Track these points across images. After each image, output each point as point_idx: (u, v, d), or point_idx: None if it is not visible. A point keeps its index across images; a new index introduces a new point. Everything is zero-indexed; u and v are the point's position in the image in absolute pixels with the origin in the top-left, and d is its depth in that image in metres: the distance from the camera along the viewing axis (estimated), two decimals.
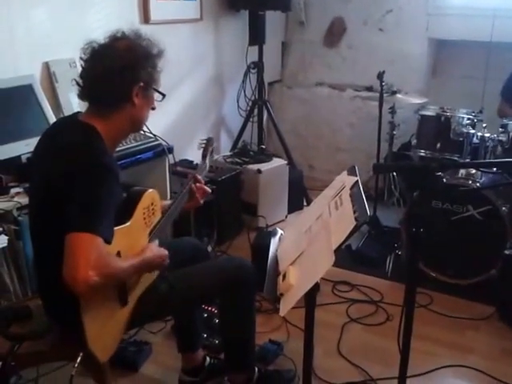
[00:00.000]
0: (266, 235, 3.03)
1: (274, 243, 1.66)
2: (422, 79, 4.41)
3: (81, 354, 1.55)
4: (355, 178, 1.51)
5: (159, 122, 3.55)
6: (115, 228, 1.49)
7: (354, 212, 1.31)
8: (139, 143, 2.72)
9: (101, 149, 1.51)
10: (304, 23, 4.75)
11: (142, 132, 2.78)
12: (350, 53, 4.61)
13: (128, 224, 1.57)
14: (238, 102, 4.29)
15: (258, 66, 4.15)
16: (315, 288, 1.40)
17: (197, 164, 3.66)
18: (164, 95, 1.72)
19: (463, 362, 2.34)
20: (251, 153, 3.86)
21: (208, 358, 2.22)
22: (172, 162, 3.28)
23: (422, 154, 3.22)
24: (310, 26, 4.75)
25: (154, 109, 1.72)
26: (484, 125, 3.00)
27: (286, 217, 3.93)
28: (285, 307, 1.30)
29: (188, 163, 3.64)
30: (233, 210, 3.58)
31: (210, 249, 3.22)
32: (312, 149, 4.94)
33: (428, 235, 3.02)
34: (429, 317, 2.71)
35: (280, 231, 1.76)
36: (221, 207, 3.36)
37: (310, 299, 1.47)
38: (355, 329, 2.64)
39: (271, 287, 1.40)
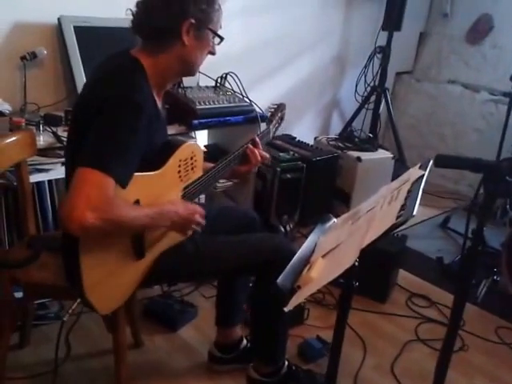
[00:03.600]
0: None
1: (318, 229, 1.48)
2: None
3: (78, 301, 1.48)
4: (422, 172, 1.27)
5: (269, 92, 3.46)
6: (139, 174, 1.38)
7: (400, 210, 1.09)
8: (231, 105, 2.63)
9: (138, 84, 1.40)
10: (448, 15, 4.35)
11: (237, 94, 2.70)
12: (492, 53, 4.13)
13: (156, 172, 1.44)
14: (356, 86, 4.05)
15: (385, 51, 3.86)
16: (350, 289, 1.22)
17: (299, 141, 3.54)
18: (222, 38, 1.57)
19: None
20: (356, 140, 3.61)
21: (245, 341, 2.09)
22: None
23: None
24: (454, 20, 4.33)
25: (212, 53, 1.58)
26: None
27: None
28: (293, 301, 1.13)
29: (290, 139, 3.51)
30: (323, 194, 3.38)
31: (288, 228, 3.09)
32: (431, 149, 4.54)
33: None
34: (507, 357, 2.35)
35: (333, 219, 1.56)
36: (309, 188, 3.18)
37: (344, 302, 1.27)
38: (419, 350, 2.35)
39: (291, 275, 1.23)
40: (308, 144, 3.49)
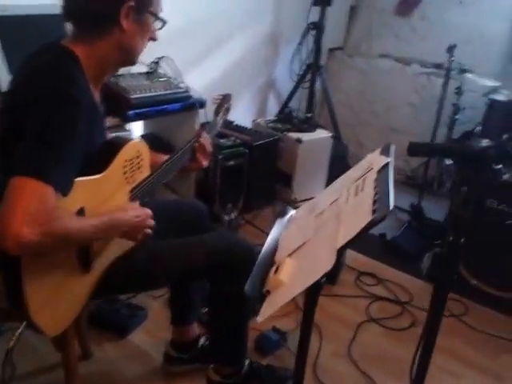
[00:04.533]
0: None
1: (278, 225, 1.39)
2: (497, 63, 3.93)
3: (24, 324, 1.33)
4: (387, 159, 1.21)
5: (200, 76, 3.31)
6: (81, 179, 1.23)
7: (374, 203, 1.02)
8: (168, 92, 2.48)
9: (72, 77, 1.25)
10: None
11: (173, 80, 2.55)
12: (422, 25, 4.16)
13: (100, 176, 1.30)
14: (291, 64, 3.98)
15: (318, 27, 3.80)
16: (317, 289, 1.14)
17: (237, 125, 3.44)
18: (165, 22, 1.44)
19: None
20: (295, 120, 3.56)
21: (203, 339, 1.99)
22: (205, 120, 3.05)
23: (484, 144, 2.83)
24: None
25: (154, 39, 1.45)
26: None
27: None
28: (266, 310, 1.03)
29: (228, 123, 3.39)
30: (266, 178, 3.32)
31: (233, 216, 3.00)
32: (364, 125, 4.58)
33: (475, 237, 2.73)
34: (460, 329, 2.39)
35: (291, 211, 1.48)
36: (252, 173, 3.10)
37: (310, 300, 1.19)
38: (373, 330, 2.35)
39: (257, 280, 1.14)
40: (246, 128, 3.40)
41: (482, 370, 2.16)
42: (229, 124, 3.36)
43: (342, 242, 0.99)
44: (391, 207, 0.97)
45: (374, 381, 2.03)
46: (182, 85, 2.55)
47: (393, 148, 1.30)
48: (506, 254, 2.52)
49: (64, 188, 1.17)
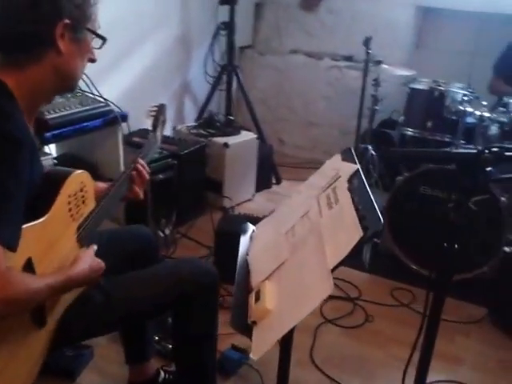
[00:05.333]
0: (231, 219, 2.68)
1: (243, 244, 1.29)
2: (405, 51, 4.07)
3: None
4: (355, 167, 1.15)
5: (113, 86, 3.11)
6: (25, 226, 1.06)
7: (360, 217, 0.95)
8: (86, 108, 2.27)
9: (8, 112, 1.08)
10: None
11: (89, 94, 2.36)
12: (330, 18, 4.22)
13: (44, 218, 1.13)
14: (205, 66, 3.87)
15: (229, 27, 3.71)
16: None
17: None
18: (104, 39, 1.29)
19: (454, 376, 2.03)
20: (218, 124, 3.45)
21: (162, 373, 1.84)
22: (127, 132, 2.87)
23: (410, 132, 2.90)
24: None
25: (93, 61, 1.29)
26: (484, 103, 2.68)
27: (254, 196, 3.58)
28: (259, 345, 0.94)
29: (147, 133, 3.20)
30: (195, 187, 3.19)
31: (167, 231, 2.85)
32: (283, 122, 4.58)
33: (412, 223, 2.79)
34: (410, 318, 2.42)
35: (251, 227, 1.39)
36: (182, 184, 2.96)
37: None
38: (331, 332, 2.32)
39: (240, 312, 1.04)
40: (169, 137, 3.24)
41: (441, 354, 2.15)
42: (147, 134, 3.18)
43: (334, 261, 0.91)
44: (382, 220, 0.91)
45: (338, 383, 1.99)
46: (100, 99, 2.36)
47: (354, 151, 1.24)
48: (444, 238, 2.58)
49: (13, 243, 1.01)
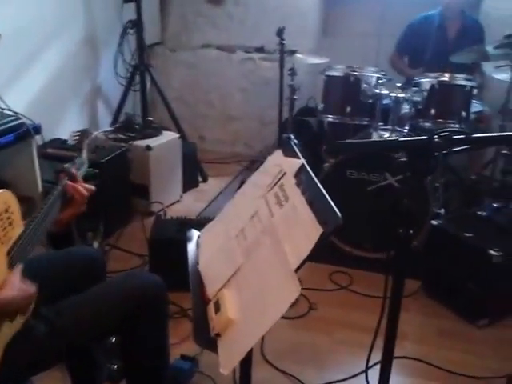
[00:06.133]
0: (164, 225, 2.59)
1: (191, 253, 1.24)
2: (314, 38, 4.13)
3: None
4: (299, 161, 1.13)
5: (21, 97, 2.91)
6: None
7: (316, 213, 0.93)
8: None
9: None
10: None
11: None
12: (237, 10, 4.19)
13: None
14: (115, 68, 3.71)
15: (137, 25, 3.58)
16: None
17: (73, 144, 3.10)
18: None
19: (403, 352, 2.08)
20: (136, 127, 3.34)
21: None
22: (40, 143, 2.70)
23: (330, 119, 2.94)
24: None
25: None
26: (398, 84, 2.77)
27: (181, 196, 3.50)
28: (227, 358, 0.89)
29: (61, 143, 3.04)
30: (121, 194, 3.06)
31: (96, 245, 2.71)
32: (201, 118, 4.52)
33: (342, 208, 2.83)
34: (352, 300, 2.48)
35: (196, 233, 1.34)
36: (106, 193, 2.83)
37: None
38: (278, 325, 2.28)
39: (201, 325, 0.99)
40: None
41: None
42: (63, 144, 3.01)
43: (296, 261, 0.89)
44: (340, 215, 0.89)
45: (296, 378, 1.98)
46: (9, 112, 2.19)
47: (294, 144, 1.22)
48: (373, 218, 2.66)
49: None
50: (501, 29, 3.28)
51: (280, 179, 1.13)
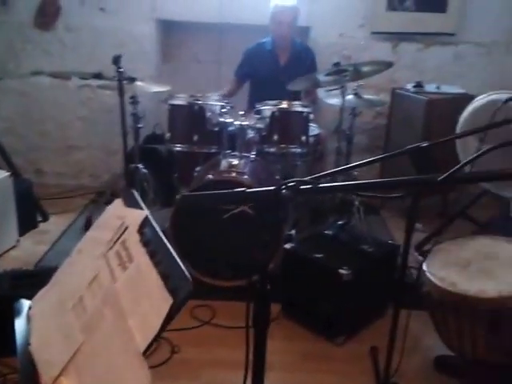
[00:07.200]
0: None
1: (20, 330, 1.05)
2: (152, 64, 4.04)
3: None
4: (142, 213, 1.01)
5: None
6: None
7: (164, 278, 0.82)
8: None
9: None
10: (6, 3, 3.86)
11: None
12: (70, 36, 3.93)
13: None
14: None
15: None
16: None
17: None
18: None
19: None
20: None
21: None
22: None
23: (178, 148, 2.85)
24: (16, 6, 3.88)
25: None
26: (241, 112, 2.78)
27: (18, 241, 3.14)
28: None
29: None
30: None
31: None
32: (37, 150, 4.16)
33: (199, 238, 2.75)
34: (216, 335, 2.38)
35: (26, 303, 1.14)
36: None
37: None
38: None
39: None
40: None
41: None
42: None
43: (144, 341, 0.76)
44: (190, 278, 0.79)
45: None
46: None
47: (136, 194, 1.10)
48: (230, 245, 2.61)
49: None
50: (329, 56, 3.52)
51: (122, 234, 1.00)
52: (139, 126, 3.13)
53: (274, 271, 2.59)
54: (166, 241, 0.90)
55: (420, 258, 2.55)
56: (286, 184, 0.92)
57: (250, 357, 1.25)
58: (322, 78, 2.91)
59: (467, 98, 3.40)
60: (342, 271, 2.26)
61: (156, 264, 0.86)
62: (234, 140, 2.80)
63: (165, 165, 3.49)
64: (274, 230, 2.54)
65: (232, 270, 2.65)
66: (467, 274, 1.65)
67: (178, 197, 2.64)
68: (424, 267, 1.71)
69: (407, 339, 1.82)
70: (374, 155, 1.34)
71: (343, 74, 2.79)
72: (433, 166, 1.43)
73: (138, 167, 3.21)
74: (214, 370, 2.15)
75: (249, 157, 2.79)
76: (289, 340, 2.38)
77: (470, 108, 2.26)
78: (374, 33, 3.88)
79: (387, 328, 1.82)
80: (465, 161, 0.89)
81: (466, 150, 2.16)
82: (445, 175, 0.84)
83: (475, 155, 0.91)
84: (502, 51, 3.92)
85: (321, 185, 0.91)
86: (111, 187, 3.79)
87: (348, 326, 2.40)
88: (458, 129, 2.26)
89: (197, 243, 2.60)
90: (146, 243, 0.93)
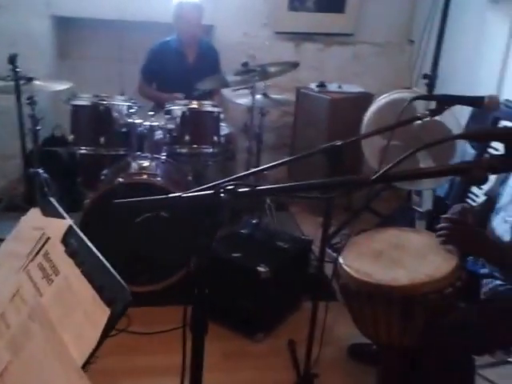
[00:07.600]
0: None
1: None
2: (49, 63, 3.83)
3: None
4: (66, 222, 0.95)
5: None
6: None
7: (98, 290, 0.78)
8: None
9: None
10: None
11: None
12: None
13: None
14: None
15: None
16: None
17: None
18: None
19: None
20: None
21: None
22: None
23: (83, 151, 2.72)
24: None
25: None
26: (151, 113, 2.71)
27: None
28: None
29: None
30: None
31: None
32: None
33: (112, 244, 2.63)
34: (134, 343, 2.31)
35: None
36: None
37: None
38: None
39: None
40: None
41: (170, 369, 2.14)
42: None
43: (82, 355, 0.72)
44: (127, 287, 0.76)
45: None
46: None
47: (56, 202, 1.04)
48: (144, 249, 2.55)
49: None
50: (234, 55, 3.53)
51: (43, 246, 0.94)
52: (38, 128, 2.96)
53: (191, 272, 2.57)
54: (95, 250, 0.86)
55: (329, 251, 2.65)
56: (224, 187, 0.91)
57: (179, 361, 1.23)
58: (230, 77, 2.92)
59: (368, 97, 3.60)
60: (260, 269, 2.29)
61: (87, 275, 0.81)
62: (143, 141, 2.73)
63: (66, 168, 3.34)
64: (209, 233, 2.51)
65: (148, 274, 2.59)
66: (380, 264, 1.74)
67: (85, 202, 2.52)
68: (340, 260, 1.77)
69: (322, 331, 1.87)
70: (282, 153, 1.38)
71: (251, 73, 2.82)
72: (345, 164, 1.49)
73: (37, 172, 3.04)
74: (134, 378, 2.09)
75: (160, 158, 2.73)
76: (209, 341, 2.33)
77: (373, 107, 2.36)
78: (277, 33, 3.96)
79: (303, 321, 1.86)
80: (397, 160, 0.94)
81: (372, 148, 2.26)
82: (377, 174, 0.88)
83: (406, 154, 0.96)
84: (396, 51, 4.18)
85: (259, 187, 0.91)
86: (9, 194, 3.56)
87: (266, 322, 2.44)
88: (364, 127, 2.36)
89: (109, 249, 2.49)
90: (72, 254, 0.88)
